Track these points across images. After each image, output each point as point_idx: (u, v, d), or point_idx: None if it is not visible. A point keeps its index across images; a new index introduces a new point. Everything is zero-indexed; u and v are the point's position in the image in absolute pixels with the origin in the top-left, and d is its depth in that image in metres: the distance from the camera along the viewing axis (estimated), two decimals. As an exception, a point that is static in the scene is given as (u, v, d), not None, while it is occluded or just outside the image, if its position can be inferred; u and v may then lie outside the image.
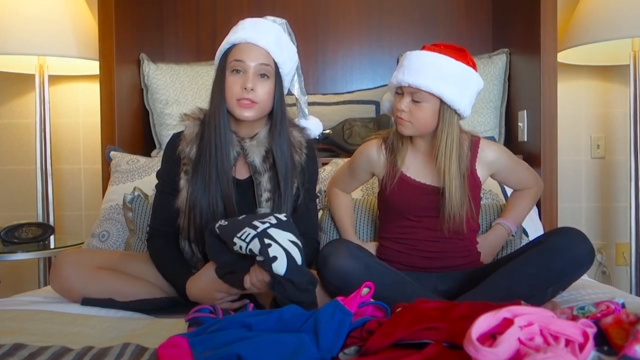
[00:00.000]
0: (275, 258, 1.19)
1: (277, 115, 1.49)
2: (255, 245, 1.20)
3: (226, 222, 1.29)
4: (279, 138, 1.49)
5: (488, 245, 1.63)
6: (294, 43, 1.57)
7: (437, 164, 1.48)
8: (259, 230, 1.22)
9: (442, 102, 1.44)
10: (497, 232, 1.67)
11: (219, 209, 1.47)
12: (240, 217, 1.30)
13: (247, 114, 1.45)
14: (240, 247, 1.22)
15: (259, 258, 1.21)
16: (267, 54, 1.45)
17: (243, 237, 1.22)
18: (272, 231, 1.22)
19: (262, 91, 1.45)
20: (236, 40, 1.46)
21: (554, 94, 2.13)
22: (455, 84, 1.43)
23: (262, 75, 1.45)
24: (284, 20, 1.56)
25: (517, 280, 1.35)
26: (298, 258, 1.21)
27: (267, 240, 1.20)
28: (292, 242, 1.23)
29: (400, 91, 1.48)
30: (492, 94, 2.36)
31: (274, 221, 1.25)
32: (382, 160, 1.58)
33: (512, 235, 1.70)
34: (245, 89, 1.42)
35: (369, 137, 1.65)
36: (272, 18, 1.55)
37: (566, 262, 1.34)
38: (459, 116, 1.47)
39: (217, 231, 1.28)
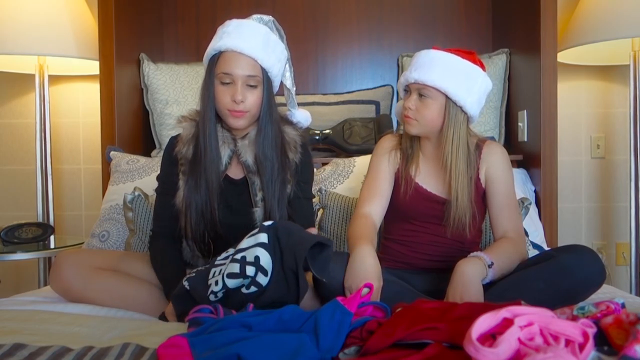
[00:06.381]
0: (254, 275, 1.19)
1: (263, 120, 1.50)
2: (234, 268, 1.19)
3: (194, 273, 1.30)
4: (263, 143, 1.50)
5: (459, 282, 1.31)
6: (283, 37, 1.56)
7: (443, 163, 1.47)
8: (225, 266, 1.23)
9: (447, 99, 1.44)
10: (470, 263, 1.34)
11: (209, 209, 1.49)
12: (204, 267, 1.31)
13: (239, 123, 1.48)
14: (214, 293, 1.22)
15: (244, 282, 1.20)
16: (254, 63, 1.45)
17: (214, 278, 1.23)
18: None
19: (252, 100, 1.46)
20: (222, 47, 1.45)
21: (553, 94, 2.13)
22: (461, 80, 1.43)
23: (251, 85, 1.46)
24: (270, 18, 1.55)
25: (524, 294, 1.24)
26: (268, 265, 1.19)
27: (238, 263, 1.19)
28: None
29: (408, 89, 1.49)
30: (492, 94, 2.35)
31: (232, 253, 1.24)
32: (393, 154, 1.57)
33: (489, 267, 1.34)
34: (234, 101, 1.44)
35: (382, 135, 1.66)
36: (258, 17, 1.53)
37: (576, 281, 1.29)
38: (466, 114, 1.47)
39: (187, 286, 1.28)
